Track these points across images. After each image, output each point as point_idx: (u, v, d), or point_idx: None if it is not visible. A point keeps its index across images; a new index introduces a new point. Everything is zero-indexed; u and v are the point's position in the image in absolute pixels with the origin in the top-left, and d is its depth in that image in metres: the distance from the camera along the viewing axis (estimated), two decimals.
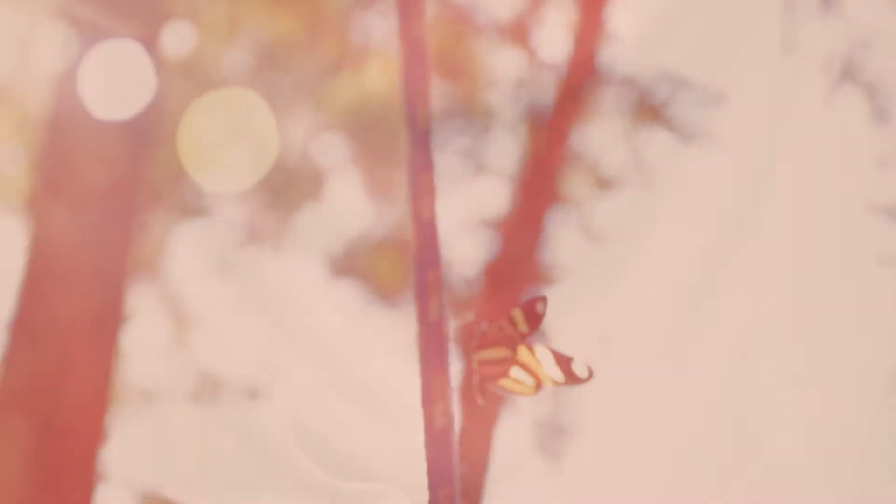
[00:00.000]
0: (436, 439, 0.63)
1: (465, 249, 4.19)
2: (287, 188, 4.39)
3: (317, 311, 4.83)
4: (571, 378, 0.67)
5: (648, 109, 3.97)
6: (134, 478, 4.75)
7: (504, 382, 0.67)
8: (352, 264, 4.44)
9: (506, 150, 4.20)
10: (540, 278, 3.66)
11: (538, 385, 0.68)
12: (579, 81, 3.62)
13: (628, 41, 4.06)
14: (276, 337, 4.99)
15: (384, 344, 4.61)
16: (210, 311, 4.71)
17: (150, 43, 2.87)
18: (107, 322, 2.68)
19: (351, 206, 4.47)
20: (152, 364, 4.68)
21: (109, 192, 2.75)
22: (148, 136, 2.85)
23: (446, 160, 4.32)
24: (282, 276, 4.71)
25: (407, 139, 0.66)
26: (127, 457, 4.74)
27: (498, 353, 0.68)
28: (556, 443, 4.11)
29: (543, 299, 0.69)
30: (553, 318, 3.99)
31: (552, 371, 0.67)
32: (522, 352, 0.68)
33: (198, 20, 4.13)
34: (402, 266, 4.33)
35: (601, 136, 4.04)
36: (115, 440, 4.42)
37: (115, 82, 2.77)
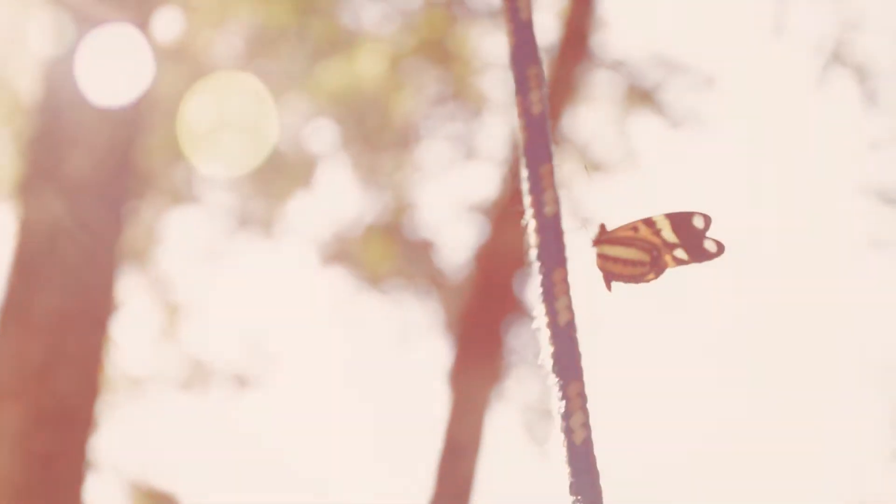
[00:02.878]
0: (559, 333, 0.61)
1: (457, 235, 4.19)
2: (277, 175, 4.38)
3: (307, 299, 4.82)
4: (699, 254, 0.64)
5: (639, 94, 3.95)
6: (123, 467, 4.74)
7: (620, 269, 0.66)
8: (342, 251, 4.43)
9: (496, 134, 4.19)
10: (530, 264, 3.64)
11: (658, 266, 0.66)
12: (570, 66, 3.61)
13: (619, 25, 4.04)
14: (266, 325, 4.98)
15: (374, 331, 4.60)
16: (200, 299, 4.70)
17: (141, 28, 2.85)
18: (97, 309, 2.66)
19: (341, 192, 4.46)
20: (142, 352, 4.67)
21: (99, 179, 2.72)
22: (138, 122, 2.83)
23: (437, 146, 4.31)
24: (272, 263, 4.69)
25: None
26: (116, 445, 4.73)
27: (631, 254, 0.66)
28: (543, 428, 4.11)
29: (707, 217, 0.67)
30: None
31: (670, 237, 0.65)
32: (644, 232, 0.65)
33: (189, 5, 4.10)
34: (392, 253, 4.32)
35: (592, 120, 4.02)
36: (104, 428, 4.40)
37: (106, 68, 2.75)
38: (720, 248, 0.65)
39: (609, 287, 0.66)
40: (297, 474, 5.26)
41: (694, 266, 0.65)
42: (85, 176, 2.66)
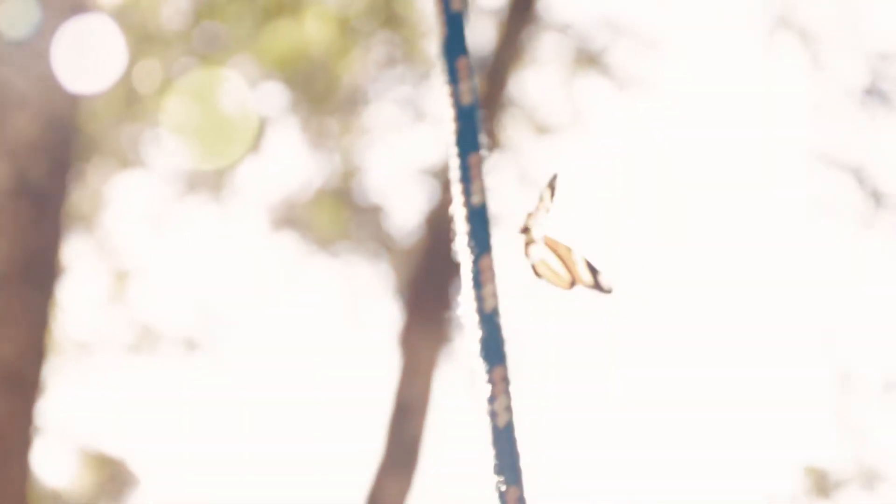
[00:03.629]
0: (485, 319, 0.64)
1: (406, 198, 4.19)
2: (226, 138, 4.35)
3: (256, 263, 4.81)
4: (598, 286, 0.68)
5: (586, 56, 3.97)
6: (71, 432, 4.72)
7: (546, 273, 0.70)
8: (291, 215, 4.42)
9: (445, 97, 4.18)
10: None
11: (573, 282, 0.69)
12: (517, 29, 3.61)
13: None
14: (214, 289, 4.97)
15: (324, 295, 4.61)
16: (148, 263, 4.67)
17: None
18: (42, 271, 2.64)
19: (290, 156, 4.44)
20: (90, 316, 4.64)
21: (44, 140, 2.70)
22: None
23: (386, 109, 4.30)
24: (221, 227, 4.68)
25: None
26: (65, 410, 4.71)
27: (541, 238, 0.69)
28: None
29: (553, 185, 0.70)
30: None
31: (584, 274, 0.68)
32: (562, 248, 0.69)
33: None
34: (342, 217, 4.32)
35: (539, 82, 4.03)
36: (53, 393, 4.38)
37: (50, 31, 2.71)
38: (612, 289, 0.68)
39: (536, 275, 0.68)
40: (247, 438, 5.27)
41: (595, 294, 0.68)
42: (30, 137, 2.64)
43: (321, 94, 4.25)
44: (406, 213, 4.18)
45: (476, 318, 0.62)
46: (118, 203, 4.55)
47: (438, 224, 3.57)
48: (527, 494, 0.60)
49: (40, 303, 2.60)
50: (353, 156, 4.34)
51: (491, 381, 0.61)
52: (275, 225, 4.47)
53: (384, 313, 4.19)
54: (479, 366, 0.62)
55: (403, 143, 4.27)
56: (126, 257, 4.62)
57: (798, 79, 4.22)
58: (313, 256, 4.46)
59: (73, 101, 2.72)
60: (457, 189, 0.64)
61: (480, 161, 0.65)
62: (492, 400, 0.62)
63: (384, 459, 3.20)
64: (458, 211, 0.63)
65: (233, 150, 4.38)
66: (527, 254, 0.68)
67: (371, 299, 4.30)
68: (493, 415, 0.61)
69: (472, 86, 0.67)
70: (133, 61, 4.07)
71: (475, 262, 0.64)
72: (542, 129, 4.05)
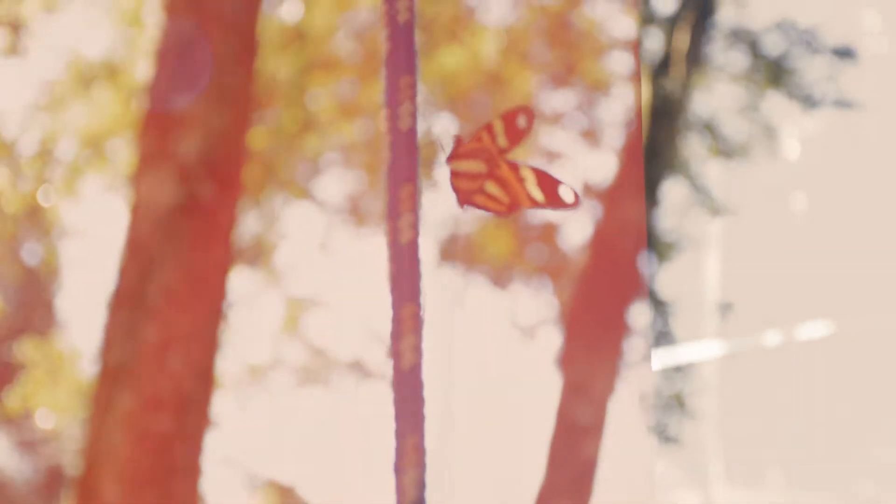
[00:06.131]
0: (400, 252, 0.57)
1: (574, 218, 4.09)
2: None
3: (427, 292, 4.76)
4: (554, 201, 0.62)
5: (769, 69, 3.78)
6: (241, 458, 4.75)
7: (477, 198, 0.60)
8: (461, 246, 4.37)
9: (615, 116, 4.08)
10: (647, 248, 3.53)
11: (514, 204, 0.63)
12: (694, 40, 3.47)
13: None
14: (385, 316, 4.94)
15: (491, 323, 4.53)
16: (320, 292, 4.68)
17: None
18: (212, 291, 2.63)
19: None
20: (262, 345, 4.67)
21: (211, 161, 2.70)
22: (247, 104, 2.79)
23: (555, 132, 4.22)
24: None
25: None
26: (237, 439, 4.73)
27: (473, 166, 0.62)
28: (674, 423, 3.98)
29: (528, 111, 0.65)
30: (672, 287, 3.85)
31: (534, 191, 0.60)
32: (503, 168, 0.63)
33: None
34: (510, 240, 4.24)
35: (718, 99, 3.87)
36: (225, 422, 4.41)
37: (209, 52, 2.71)
38: (576, 200, 0.64)
39: (462, 206, 0.64)
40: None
41: (552, 212, 0.64)
42: (198, 157, 2.63)
43: (491, 115, 4.19)
44: (574, 235, 4.08)
45: (390, 250, 0.57)
46: (290, 228, 4.58)
47: (606, 244, 3.45)
48: (426, 443, 0.53)
49: (209, 321, 2.58)
50: None
51: (398, 318, 0.55)
52: (443, 252, 4.43)
53: (552, 336, 4.09)
54: (389, 301, 0.56)
55: (571, 161, 4.17)
56: (298, 284, 4.64)
57: None
58: (482, 282, 4.40)
59: (240, 119, 2.71)
60: (384, 113, 0.59)
61: (411, 84, 0.60)
62: (397, 338, 0.54)
63: (551, 484, 3.06)
64: (384, 137, 0.58)
65: None
66: (456, 183, 0.61)
67: (539, 323, 4.21)
68: (397, 355, 0.55)
69: (411, 3, 0.60)
70: (303, 86, 4.08)
71: (394, 190, 0.58)
72: (723, 150, 3.87)
